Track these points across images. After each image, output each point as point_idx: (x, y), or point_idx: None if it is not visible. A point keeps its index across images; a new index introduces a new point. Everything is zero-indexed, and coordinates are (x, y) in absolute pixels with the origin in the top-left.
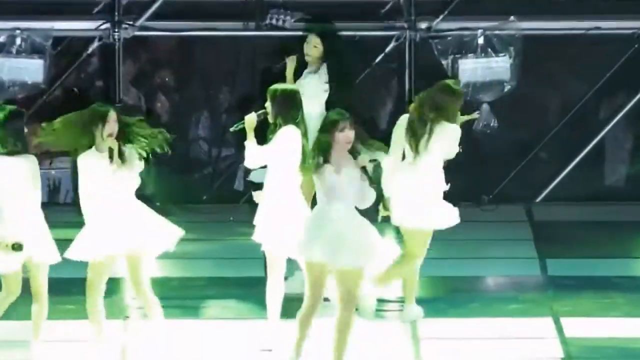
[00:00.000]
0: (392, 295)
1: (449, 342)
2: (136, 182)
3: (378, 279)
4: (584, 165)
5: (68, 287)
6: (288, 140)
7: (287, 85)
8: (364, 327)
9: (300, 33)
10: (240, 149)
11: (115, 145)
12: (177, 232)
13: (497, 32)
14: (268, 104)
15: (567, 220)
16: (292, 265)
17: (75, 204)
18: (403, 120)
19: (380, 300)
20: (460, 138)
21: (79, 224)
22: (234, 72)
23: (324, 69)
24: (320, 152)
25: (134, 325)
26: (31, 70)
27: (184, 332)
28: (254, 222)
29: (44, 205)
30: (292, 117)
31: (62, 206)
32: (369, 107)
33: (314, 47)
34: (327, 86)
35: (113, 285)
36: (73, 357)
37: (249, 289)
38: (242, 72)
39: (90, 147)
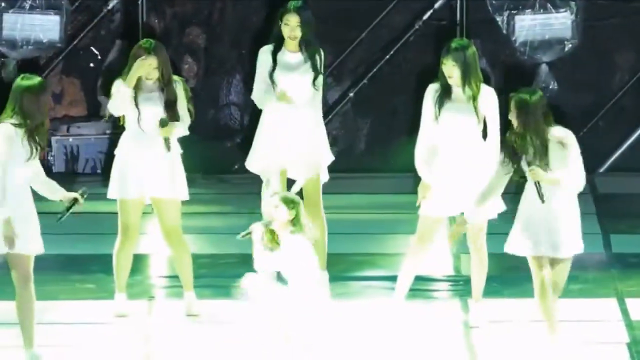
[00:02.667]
0: (441, 274)
1: (503, 325)
2: None
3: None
4: None
5: (87, 265)
6: None
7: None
8: (411, 309)
9: None
10: None
11: None
12: None
13: None
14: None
15: (633, 193)
16: None
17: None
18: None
19: (429, 280)
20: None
21: (102, 195)
22: (268, 31)
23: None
24: None
25: (159, 306)
26: (47, 27)
27: (214, 313)
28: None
29: (61, 176)
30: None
31: (80, 176)
32: (415, 69)
33: (297, 26)
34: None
35: (137, 264)
36: (94, 339)
37: None
38: (277, 30)
39: None
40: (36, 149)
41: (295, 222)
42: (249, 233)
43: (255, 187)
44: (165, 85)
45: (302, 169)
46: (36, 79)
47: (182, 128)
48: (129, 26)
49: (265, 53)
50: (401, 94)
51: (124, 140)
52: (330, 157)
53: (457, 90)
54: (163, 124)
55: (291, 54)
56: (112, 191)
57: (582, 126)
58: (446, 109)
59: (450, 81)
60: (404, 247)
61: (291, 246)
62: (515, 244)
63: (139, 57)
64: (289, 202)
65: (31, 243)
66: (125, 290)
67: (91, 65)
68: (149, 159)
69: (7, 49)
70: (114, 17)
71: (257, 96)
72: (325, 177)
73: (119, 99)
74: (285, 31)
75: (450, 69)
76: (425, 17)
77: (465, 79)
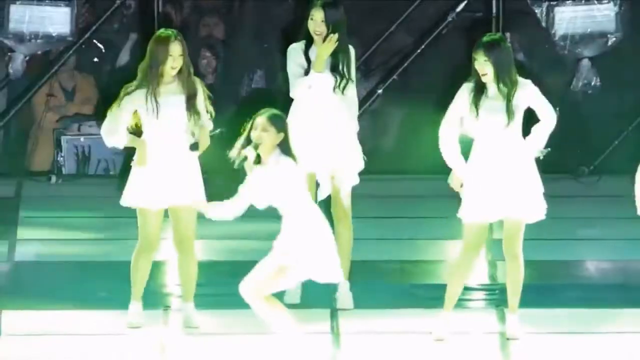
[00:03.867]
0: (475, 283)
1: (542, 336)
2: None
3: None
4: None
5: (100, 272)
6: None
7: None
8: (445, 319)
9: None
10: None
11: None
12: None
13: None
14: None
15: None
16: None
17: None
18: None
19: (464, 289)
20: (556, 100)
21: (115, 199)
22: (290, 23)
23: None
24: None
25: (175, 316)
26: (56, 20)
27: (232, 324)
28: None
29: (72, 177)
30: None
31: (92, 178)
32: (450, 62)
33: (322, 22)
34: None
35: (152, 272)
36: (99, 353)
37: None
38: (300, 23)
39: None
40: None
41: (284, 146)
42: (245, 158)
43: None
44: (186, 77)
45: (330, 171)
46: None
47: (207, 137)
48: (144, 20)
49: (295, 50)
50: (433, 90)
51: None
52: (360, 164)
53: (492, 87)
54: (194, 148)
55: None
56: (130, 199)
57: (626, 124)
58: (483, 108)
59: (483, 78)
60: (434, 254)
61: (279, 169)
62: None
63: (159, 51)
64: (279, 121)
65: None
66: (140, 299)
67: (104, 60)
68: (169, 166)
69: (14, 43)
70: (128, 10)
71: (296, 93)
72: (354, 180)
73: (114, 136)
74: (311, 26)
75: (483, 66)
76: (459, 8)
77: (499, 76)
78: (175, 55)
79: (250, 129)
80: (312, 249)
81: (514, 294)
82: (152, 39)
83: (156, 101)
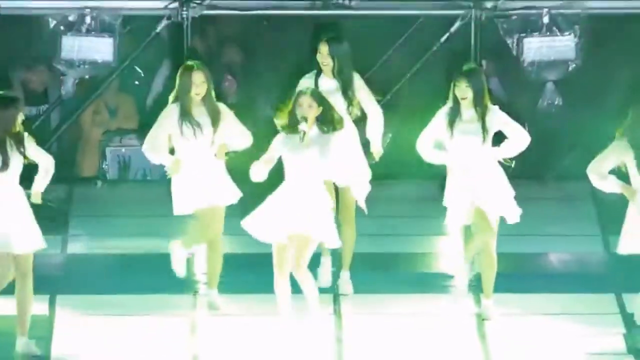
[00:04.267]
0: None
1: (512, 318)
2: None
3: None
4: None
5: (141, 263)
6: None
7: None
8: (425, 304)
9: (366, 12)
10: None
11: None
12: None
13: (562, 10)
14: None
15: None
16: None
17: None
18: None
19: (447, 276)
20: (526, 116)
21: (150, 201)
22: (302, 52)
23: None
24: None
25: (204, 301)
26: (101, 49)
27: (254, 311)
28: None
29: (114, 182)
30: None
31: (132, 183)
32: (433, 89)
33: (327, 55)
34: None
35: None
36: (139, 331)
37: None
38: (310, 52)
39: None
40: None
41: (323, 117)
42: (304, 133)
43: None
44: (209, 102)
45: (344, 182)
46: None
47: (241, 140)
48: (175, 47)
49: (306, 79)
50: (420, 108)
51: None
52: (369, 173)
53: (466, 111)
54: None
55: (327, 80)
56: (180, 208)
57: (584, 135)
58: (458, 130)
59: (462, 102)
60: (423, 247)
61: (322, 142)
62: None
63: (184, 80)
64: (320, 98)
65: (25, 242)
66: (188, 249)
67: (142, 83)
68: (204, 174)
69: (66, 68)
70: (162, 40)
71: None
72: (368, 187)
73: (153, 153)
74: (318, 58)
75: (464, 91)
76: (442, 40)
77: (476, 100)
78: (198, 83)
79: (294, 106)
80: (325, 213)
81: (488, 282)
82: (180, 69)
83: (196, 122)
